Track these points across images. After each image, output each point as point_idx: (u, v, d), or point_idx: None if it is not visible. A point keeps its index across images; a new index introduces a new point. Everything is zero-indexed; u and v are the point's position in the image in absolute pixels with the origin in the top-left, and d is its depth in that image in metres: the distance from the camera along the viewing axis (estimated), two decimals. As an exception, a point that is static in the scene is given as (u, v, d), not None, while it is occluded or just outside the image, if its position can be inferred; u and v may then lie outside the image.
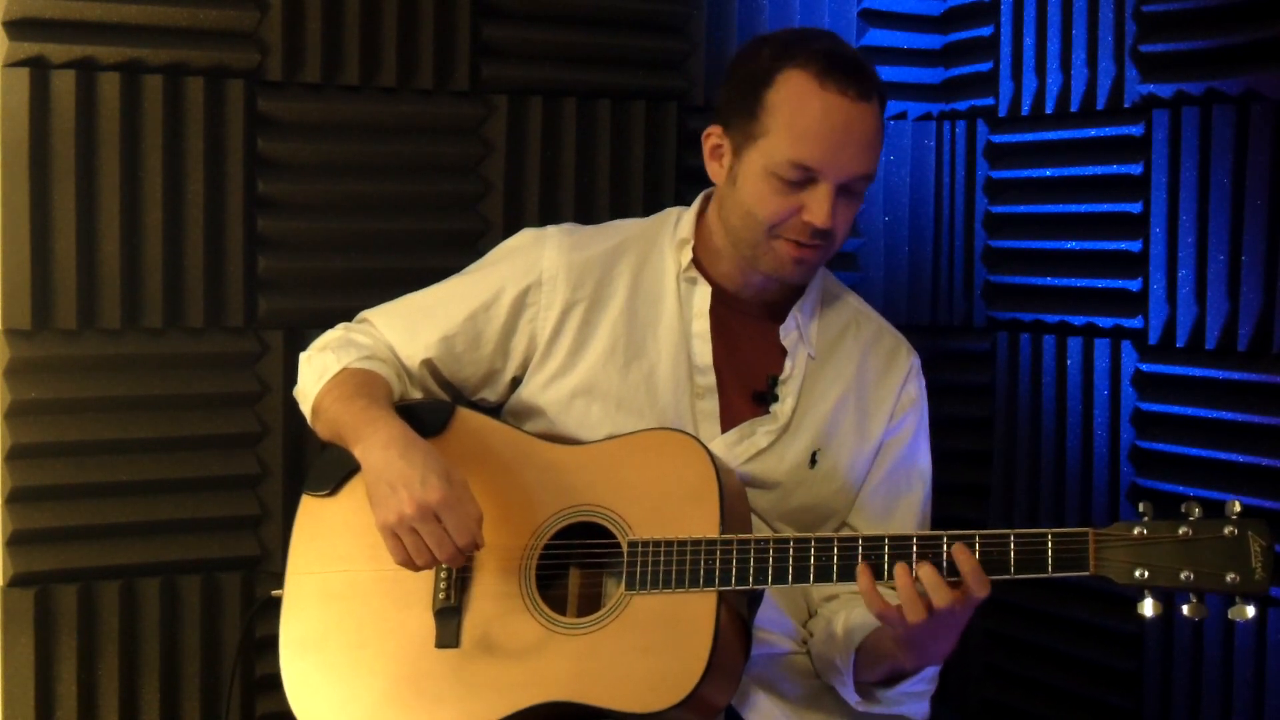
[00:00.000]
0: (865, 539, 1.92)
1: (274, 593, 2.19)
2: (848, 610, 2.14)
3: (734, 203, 2.12)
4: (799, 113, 2.03)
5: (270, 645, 2.16)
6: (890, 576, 1.89)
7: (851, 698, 2.08)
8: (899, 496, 2.24)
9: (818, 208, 2.03)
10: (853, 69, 2.04)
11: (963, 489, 3.17)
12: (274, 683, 2.16)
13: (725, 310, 2.20)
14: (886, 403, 2.25)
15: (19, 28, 2.47)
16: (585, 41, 2.93)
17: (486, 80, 2.84)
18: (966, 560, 1.85)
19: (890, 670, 2.05)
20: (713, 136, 2.17)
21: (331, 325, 2.33)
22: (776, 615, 2.17)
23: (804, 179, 2.03)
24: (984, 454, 3.16)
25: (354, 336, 2.24)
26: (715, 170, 2.17)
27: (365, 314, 2.31)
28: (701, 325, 2.19)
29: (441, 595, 2.06)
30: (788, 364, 2.20)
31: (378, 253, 2.79)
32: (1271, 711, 2.56)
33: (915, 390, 2.27)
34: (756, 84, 2.07)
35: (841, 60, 2.04)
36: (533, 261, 2.23)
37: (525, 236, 2.29)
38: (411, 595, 2.08)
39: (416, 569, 1.99)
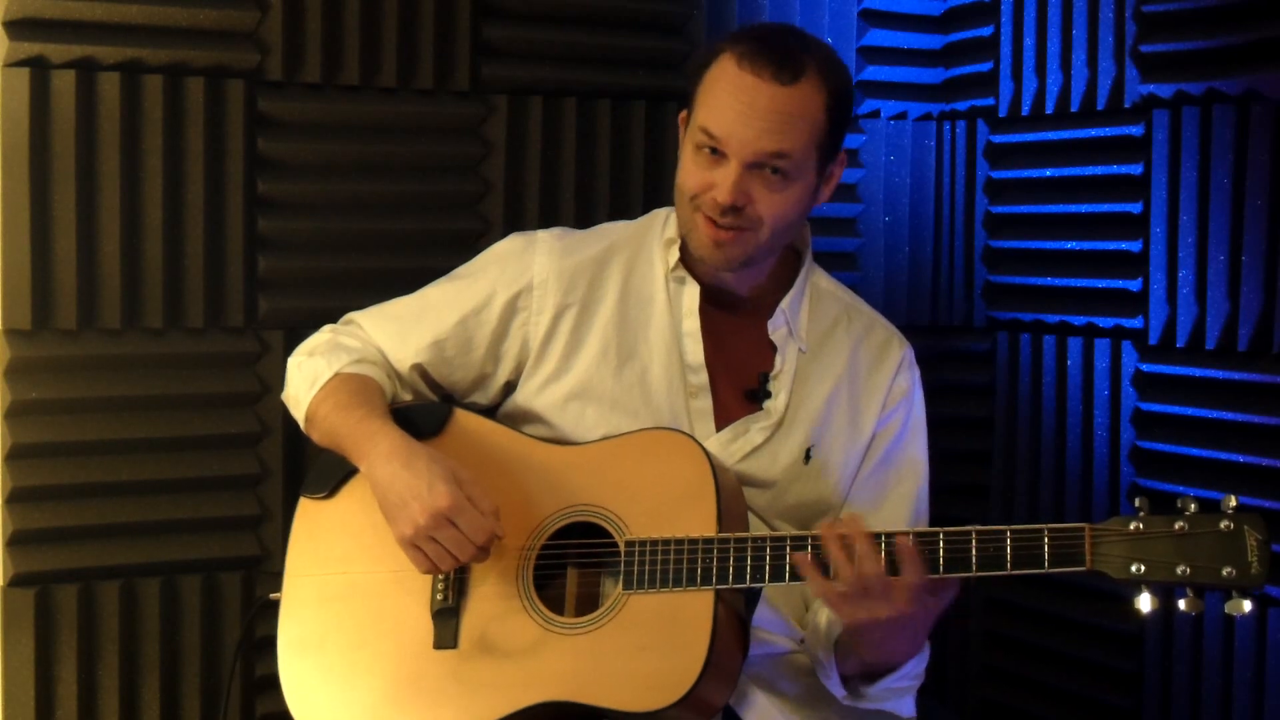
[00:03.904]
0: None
1: (272, 595, 2.19)
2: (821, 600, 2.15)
3: (676, 179, 2.16)
4: (714, 86, 2.07)
5: (270, 645, 2.16)
6: (887, 573, 1.88)
7: (838, 691, 2.08)
8: (889, 488, 2.24)
9: (722, 181, 2.05)
10: (778, 53, 2.05)
11: (963, 489, 3.18)
12: (274, 683, 2.16)
13: (715, 308, 2.21)
14: (878, 395, 2.25)
15: (19, 28, 2.48)
16: (585, 41, 2.94)
17: (486, 80, 2.84)
18: (905, 548, 1.87)
19: (860, 665, 2.05)
20: (682, 123, 2.20)
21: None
22: (774, 614, 2.17)
23: (714, 149, 2.06)
24: (984, 454, 3.16)
25: (342, 340, 2.24)
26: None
27: (352, 316, 2.31)
28: (692, 324, 2.19)
29: (439, 596, 2.06)
30: (778, 359, 2.20)
31: (378, 253, 2.79)
32: (1271, 711, 2.56)
33: (907, 382, 2.27)
34: (700, 68, 2.13)
35: (769, 45, 2.06)
36: (524, 267, 2.23)
37: (515, 241, 2.29)
38: (410, 596, 2.08)
39: (443, 573, 2.03)
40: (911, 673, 2.06)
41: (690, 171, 2.10)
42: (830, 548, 1.89)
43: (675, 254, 2.21)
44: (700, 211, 2.09)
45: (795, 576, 1.93)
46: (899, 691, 2.08)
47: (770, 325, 2.21)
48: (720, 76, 2.07)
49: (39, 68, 2.49)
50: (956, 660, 3.21)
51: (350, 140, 2.76)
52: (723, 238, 2.09)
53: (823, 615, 2.13)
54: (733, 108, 2.04)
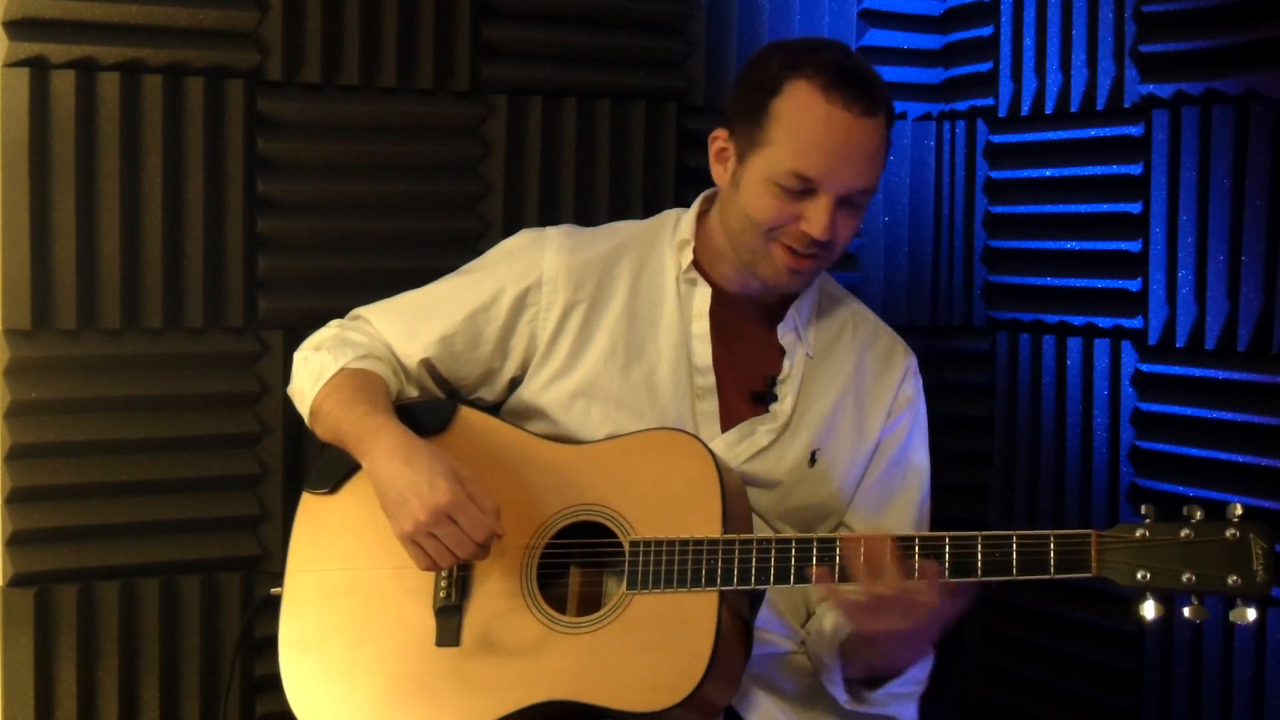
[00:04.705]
0: (867, 539, 1.92)
1: (274, 590, 2.19)
2: (837, 609, 2.15)
3: (735, 207, 2.13)
4: (803, 124, 2.04)
5: (270, 645, 2.16)
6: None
7: (841, 696, 2.09)
8: (893, 495, 2.25)
9: (816, 219, 2.04)
10: (860, 83, 2.04)
11: (963, 489, 3.18)
12: (273, 682, 2.16)
13: (724, 311, 2.21)
14: (883, 402, 2.26)
15: (19, 28, 2.47)
16: (585, 41, 2.93)
17: (486, 80, 2.84)
18: (931, 567, 1.87)
19: (866, 669, 2.05)
20: (719, 140, 2.18)
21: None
22: (776, 616, 2.17)
23: (804, 189, 2.04)
24: (984, 454, 3.16)
25: (349, 335, 2.24)
26: (719, 173, 2.18)
27: (360, 311, 2.31)
28: (701, 326, 2.19)
29: (442, 594, 2.06)
30: (786, 363, 2.21)
31: (378, 253, 2.78)
32: (1271, 711, 2.56)
33: (912, 389, 2.28)
34: (764, 92, 2.08)
35: (850, 74, 2.05)
36: (533, 262, 2.23)
37: (525, 237, 2.29)
38: (412, 593, 2.08)
39: (443, 571, 2.03)
40: (915, 678, 2.06)
41: (768, 205, 2.07)
42: (852, 558, 1.89)
43: (689, 256, 2.21)
44: (778, 242, 2.09)
45: (800, 579, 1.94)
46: (902, 697, 2.08)
47: (780, 329, 2.22)
48: (807, 112, 2.04)
49: (39, 68, 2.49)
50: (956, 660, 3.21)
51: (350, 140, 2.76)
52: (803, 266, 2.10)
53: (828, 619, 2.13)
54: (831, 148, 2.03)
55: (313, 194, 2.74)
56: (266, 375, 2.70)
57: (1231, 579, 1.78)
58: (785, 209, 2.06)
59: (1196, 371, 2.69)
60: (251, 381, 2.70)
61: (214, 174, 2.63)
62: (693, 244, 2.22)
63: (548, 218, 2.87)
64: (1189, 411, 2.71)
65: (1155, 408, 2.78)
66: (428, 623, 2.06)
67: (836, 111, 2.02)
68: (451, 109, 2.83)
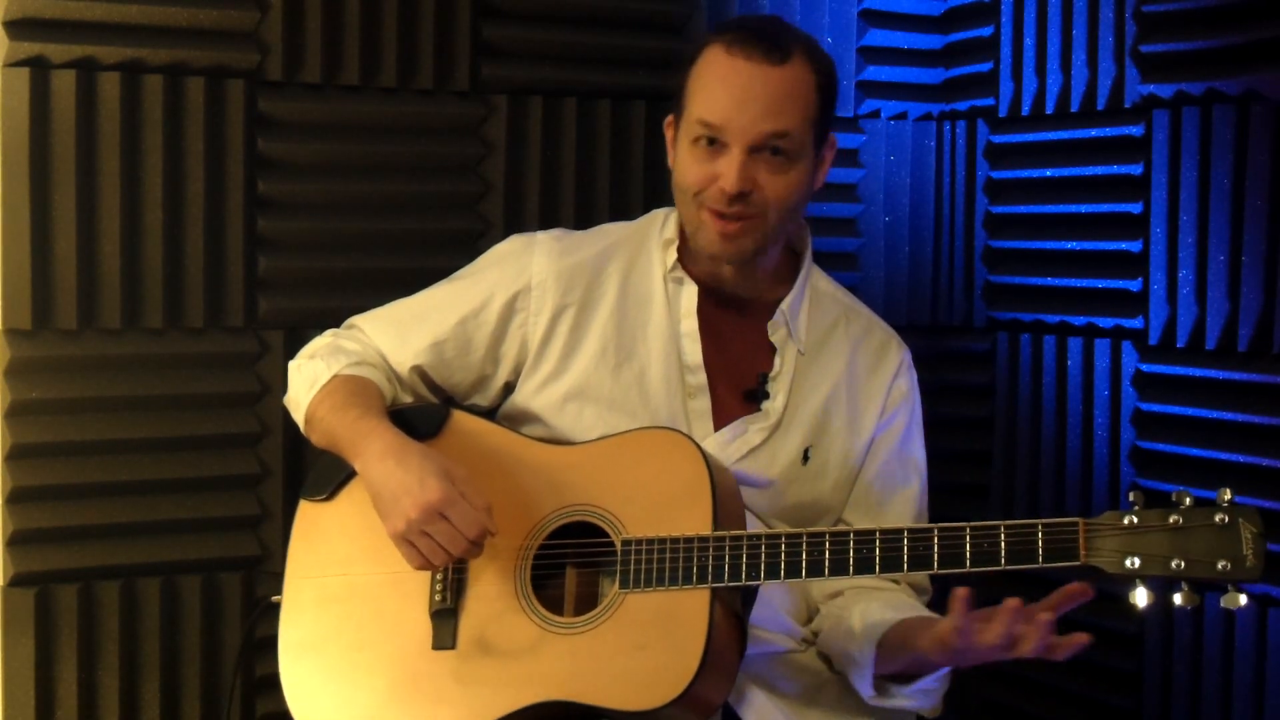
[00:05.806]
0: (856, 533, 1.92)
1: (274, 598, 2.19)
2: (863, 604, 2.14)
3: (674, 183, 2.17)
4: (707, 79, 2.10)
5: (270, 645, 2.16)
6: (883, 570, 1.91)
7: (866, 691, 2.07)
8: (893, 491, 2.25)
9: (727, 170, 2.06)
10: (763, 36, 2.09)
11: (962, 489, 3.17)
12: (274, 683, 2.16)
13: (713, 309, 2.21)
14: (878, 397, 2.25)
15: (19, 28, 2.48)
16: (585, 41, 2.94)
17: (486, 80, 2.85)
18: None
19: (911, 664, 2.04)
20: (669, 127, 2.21)
21: (332, 325, 2.33)
22: (773, 614, 2.17)
23: (713, 139, 2.07)
24: (984, 454, 3.15)
25: (342, 343, 2.25)
26: (671, 158, 2.21)
27: (354, 320, 2.32)
28: (690, 325, 2.19)
29: (438, 597, 2.06)
30: (777, 360, 2.21)
31: (378, 253, 2.79)
32: (1271, 711, 2.55)
33: (906, 384, 2.28)
34: (686, 65, 2.16)
35: (755, 31, 2.10)
36: (522, 267, 2.23)
37: (514, 242, 2.29)
38: (408, 597, 2.08)
39: (435, 569, 2.03)
40: (943, 674, 2.05)
41: (690, 168, 2.11)
42: (1010, 619, 1.89)
43: (674, 254, 2.21)
44: (705, 207, 2.10)
45: (791, 574, 1.94)
46: (930, 692, 2.08)
47: (770, 326, 2.22)
48: (710, 67, 2.10)
49: (39, 68, 2.49)
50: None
51: (350, 140, 2.76)
52: (731, 230, 2.10)
53: (855, 616, 2.12)
54: (729, 94, 2.06)
55: (313, 194, 2.74)
56: (266, 375, 2.71)
57: (1221, 564, 1.78)
58: (704, 169, 2.09)
59: (1197, 372, 2.69)
60: (251, 381, 2.71)
61: (214, 174, 2.64)
62: (677, 242, 2.22)
63: (548, 218, 2.88)
64: (1189, 411, 2.71)
65: (1156, 408, 2.78)
66: (424, 626, 2.06)
67: (737, 62, 2.07)
68: (451, 109, 2.83)
